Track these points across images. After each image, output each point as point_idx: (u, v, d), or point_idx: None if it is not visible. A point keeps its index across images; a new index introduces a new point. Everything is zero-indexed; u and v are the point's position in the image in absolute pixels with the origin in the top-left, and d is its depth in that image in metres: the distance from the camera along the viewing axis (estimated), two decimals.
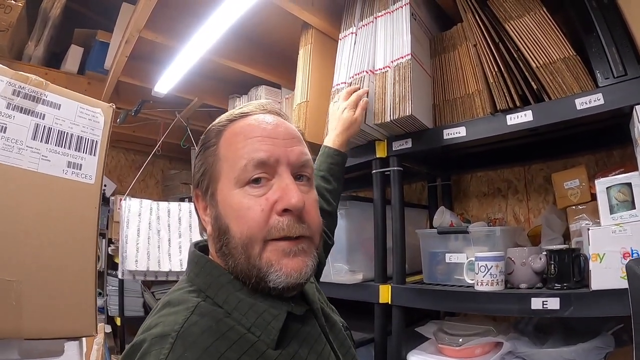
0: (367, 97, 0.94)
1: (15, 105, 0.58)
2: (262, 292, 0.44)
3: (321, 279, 1.08)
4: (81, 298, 0.59)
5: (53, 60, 1.62)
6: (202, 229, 0.50)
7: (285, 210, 0.43)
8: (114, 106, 0.71)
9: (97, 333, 0.58)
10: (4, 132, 0.56)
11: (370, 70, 0.99)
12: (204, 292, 0.43)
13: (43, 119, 0.61)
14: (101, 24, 1.70)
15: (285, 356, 0.41)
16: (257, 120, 0.47)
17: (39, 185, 0.59)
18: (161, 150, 1.92)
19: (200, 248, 0.50)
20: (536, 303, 0.79)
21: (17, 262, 0.53)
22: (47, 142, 0.61)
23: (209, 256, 0.49)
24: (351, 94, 0.92)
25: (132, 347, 0.38)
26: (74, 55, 1.60)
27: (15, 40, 1.42)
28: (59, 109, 0.63)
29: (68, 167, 0.63)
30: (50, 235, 0.58)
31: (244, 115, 0.48)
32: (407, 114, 0.89)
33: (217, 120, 0.50)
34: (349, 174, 1.31)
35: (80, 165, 0.64)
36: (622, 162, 1.05)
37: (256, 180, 0.44)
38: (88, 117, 0.66)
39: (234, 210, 0.44)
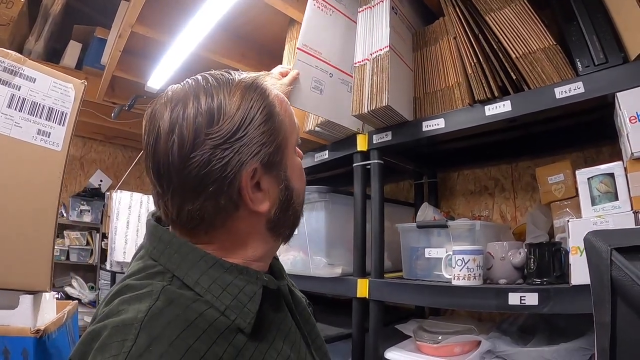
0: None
1: None
2: (274, 248, 0.48)
3: (300, 273, 1.07)
4: (38, 256, 0.62)
5: (53, 55, 1.67)
6: (220, 217, 0.41)
7: None
8: (86, 83, 0.74)
9: (50, 290, 0.61)
10: None
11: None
12: (172, 272, 0.40)
13: (19, 90, 0.67)
14: (100, 21, 1.75)
15: (255, 341, 0.39)
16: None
17: (9, 148, 0.63)
18: None
19: (157, 219, 0.46)
20: (514, 298, 0.76)
21: None
22: (20, 110, 0.66)
23: (228, 235, 0.43)
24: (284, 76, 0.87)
25: (90, 335, 0.35)
26: (72, 50, 1.64)
27: (16, 35, 1.47)
28: (34, 82, 0.68)
29: (38, 134, 0.67)
30: (15, 194, 0.62)
31: (266, 79, 0.47)
32: (384, 105, 0.88)
33: (253, 85, 0.44)
34: (332, 171, 1.30)
35: (49, 133, 0.69)
36: (612, 160, 1.02)
37: None
38: (60, 91, 0.71)
39: (298, 171, 0.48)
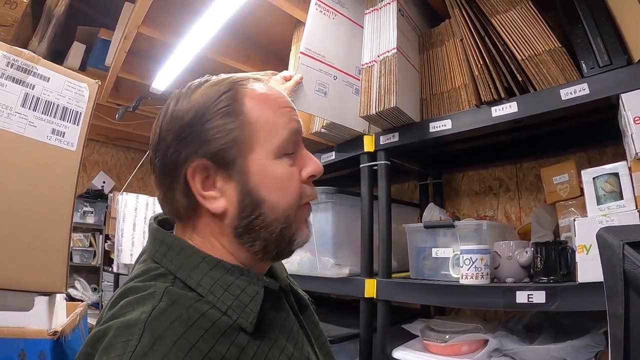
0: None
1: (8, 75, 0.63)
2: (257, 259, 0.45)
3: (307, 273, 1.08)
4: (54, 256, 0.62)
5: (56, 56, 1.67)
6: (186, 210, 0.44)
7: (309, 177, 0.46)
8: (99, 82, 0.74)
9: (66, 290, 0.61)
10: None
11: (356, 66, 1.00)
12: (174, 273, 0.41)
13: (32, 89, 0.66)
14: (104, 22, 1.75)
15: (258, 340, 0.39)
16: (274, 90, 0.47)
17: (24, 148, 0.63)
18: None
19: (159, 222, 0.48)
20: (521, 296, 0.77)
21: None
22: (34, 109, 0.66)
23: (192, 232, 0.45)
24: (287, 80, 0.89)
25: (96, 336, 0.35)
26: (76, 51, 1.65)
27: (19, 36, 1.47)
28: (47, 82, 0.68)
29: (52, 133, 0.67)
30: (31, 194, 0.62)
31: (256, 80, 0.46)
32: (392, 106, 0.89)
33: (222, 83, 0.44)
34: (338, 172, 1.31)
35: (64, 133, 0.68)
36: (615, 160, 1.03)
37: (290, 150, 0.45)
38: (74, 90, 0.71)
39: (275, 181, 0.43)
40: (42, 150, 0.65)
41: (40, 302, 0.60)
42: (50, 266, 0.60)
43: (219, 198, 0.43)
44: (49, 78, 0.68)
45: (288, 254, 0.46)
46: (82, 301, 1.99)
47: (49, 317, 0.61)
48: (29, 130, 0.64)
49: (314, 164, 0.47)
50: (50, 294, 0.62)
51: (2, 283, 0.54)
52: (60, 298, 0.73)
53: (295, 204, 0.45)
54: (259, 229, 0.43)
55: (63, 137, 0.68)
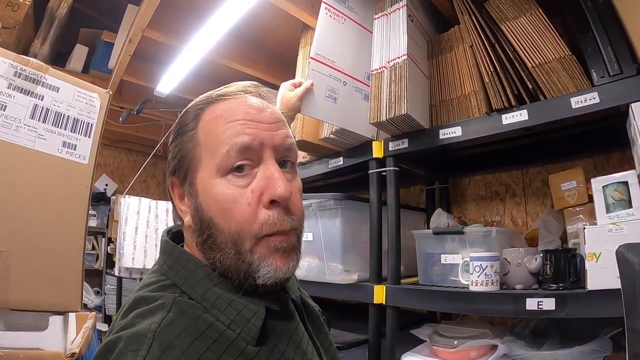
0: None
1: (15, 86, 0.61)
2: (245, 287, 0.41)
3: (316, 279, 1.08)
4: (68, 274, 0.60)
5: (59, 59, 1.66)
6: (177, 218, 0.47)
7: (272, 202, 0.41)
8: (111, 92, 0.73)
9: (81, 309, 0.59)
10: (4, 110, 0.59)
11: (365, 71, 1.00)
12: (179, 287, 0.41)
13: (42, 100, 0.64)
14: (106, 24, 1.74)
15: (265, 351, 0.40)
16: (239, 103, 0.44)
17: (34, 162, 0.61)
18: (163, 151, 1.93)
19: (173, 235, 0.49)
20: (531, 303, 0.78)
21: (8, 234, 0.55)
22: (44, 121, 0.63)
23: (185, 244, 0.47)
24: (297, 86, 0.90)
25: (107, 346, 0.36)
26: (78, 54, 1.63)
27: (21, 38, 1.45)
28: (57, 92, 0.66)
29: (63, 146, 0.65)
30: (42, 210, 0.59)
31: (224, 96, 0.45)
32: (403, 113, 0.89)
33: (194, 102, 0.47)
34: (347, 176, 1.31)
35: (75, 145, 0.66)
36: (621, 166, 1.05)
37: (239, 168, 0.41)
38: (85, 100, 0.69)
39: (217, 203, 0.41)
40: (53, 164, 0.62)
41: (55, 320, 0.58)
42: (65, 285, 0.58)
43: (187, 212, 0.44)
44: (59, 88, 0.66)
45: (257, 290, 0.41)
46: (84, 305, 1.99)
47: (64, 336, 0.59)
48: (39, 144, 0.61)
49: (272, 187, 0.40)
50: (65, 313, 0.60)
51: (18, 304, 0.53)
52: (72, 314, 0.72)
53: (245, 232, 0.40)
54: (215, 248, 0.41)
55: (74, 150, 0.65)
